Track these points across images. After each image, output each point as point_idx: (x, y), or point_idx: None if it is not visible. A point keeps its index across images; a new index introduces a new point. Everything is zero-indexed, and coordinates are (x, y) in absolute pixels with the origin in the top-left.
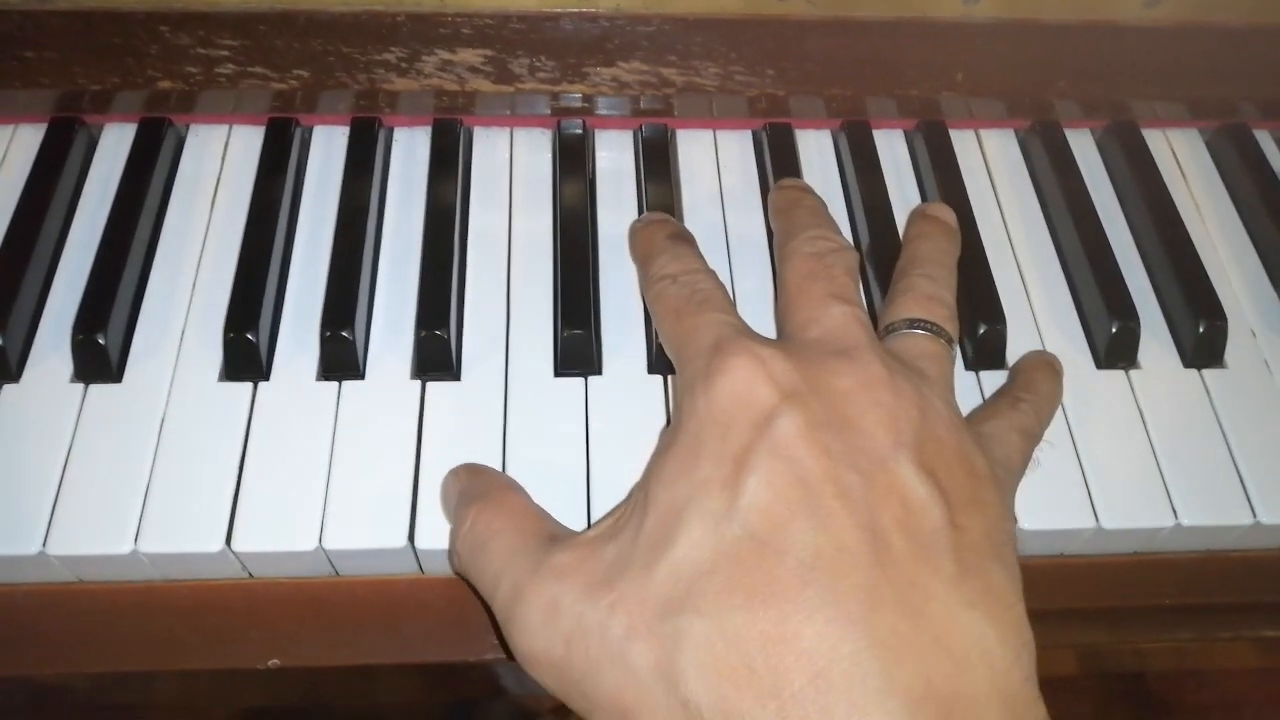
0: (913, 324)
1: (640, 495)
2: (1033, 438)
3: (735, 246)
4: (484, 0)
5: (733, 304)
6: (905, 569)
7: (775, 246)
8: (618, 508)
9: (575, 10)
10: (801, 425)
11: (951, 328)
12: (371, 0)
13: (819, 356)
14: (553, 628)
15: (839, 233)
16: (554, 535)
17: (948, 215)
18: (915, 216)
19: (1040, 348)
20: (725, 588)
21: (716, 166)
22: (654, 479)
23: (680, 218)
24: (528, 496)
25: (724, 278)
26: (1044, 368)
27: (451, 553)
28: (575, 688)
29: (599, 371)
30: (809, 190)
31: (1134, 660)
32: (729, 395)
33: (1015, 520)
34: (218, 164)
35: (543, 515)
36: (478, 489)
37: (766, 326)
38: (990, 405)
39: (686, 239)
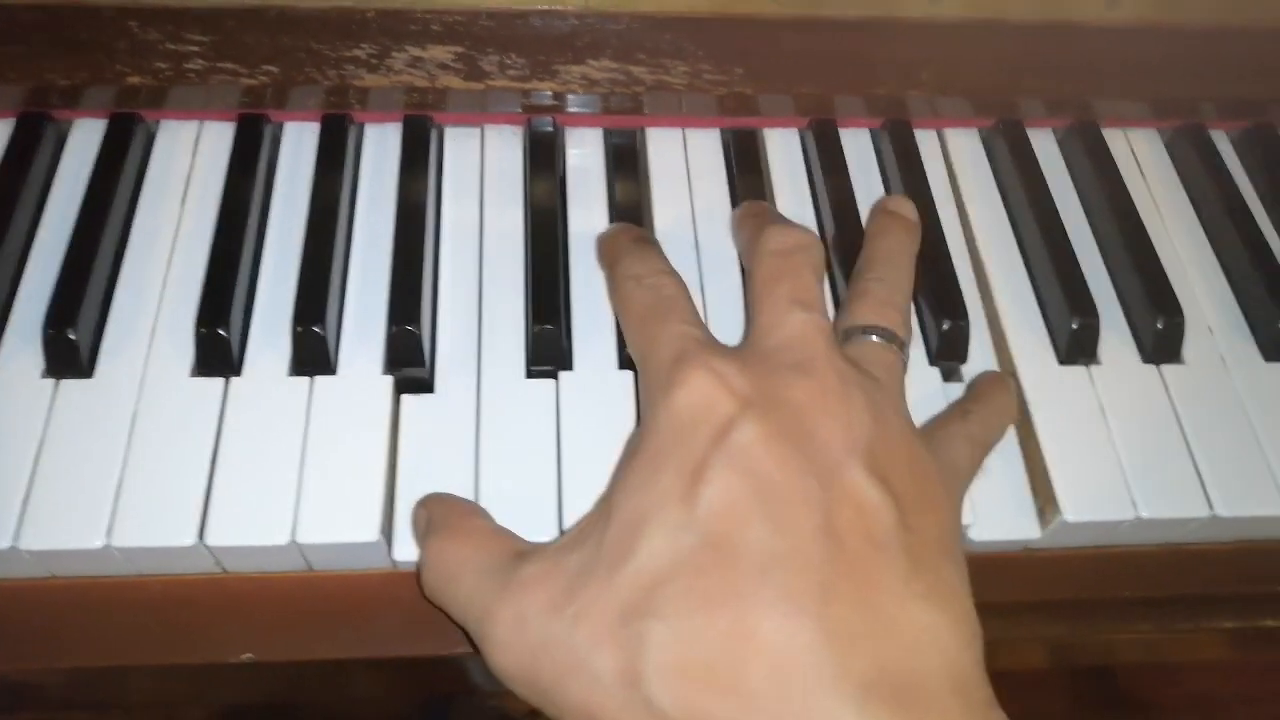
0: (867, 330)
1: (604, 505)
2: (980, 445)
3: (704, 243)
4: None
5: (695, 310)
6: (859, 566)
7: (742, 252)
8: (583, 518)
9: (545, 8)
10: (758, 435)
11: (904, 333)
12: None
13: (777, 368)
14: (521, 641)
15: (803, 227)
16: (520, 552)
17: (908, 210)
18: (877, 211)
19: (1004, 343)
20: (684, 592)
21: (686, 164)
22: (617, 489)
23: (650, 214)
24: (491, 519)
25: (692, 276)
26: (996, 383)
27: (421, 584)
28: (546, 697)
29: (570, 366)
30: (769, 205)
31: (1104, 654)
32: (688, 407)
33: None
34: (188, 160)
35: (507, 535)
36: (441, 518)
37: (735, 328)
38: (942, 415)
39: (651, 242)
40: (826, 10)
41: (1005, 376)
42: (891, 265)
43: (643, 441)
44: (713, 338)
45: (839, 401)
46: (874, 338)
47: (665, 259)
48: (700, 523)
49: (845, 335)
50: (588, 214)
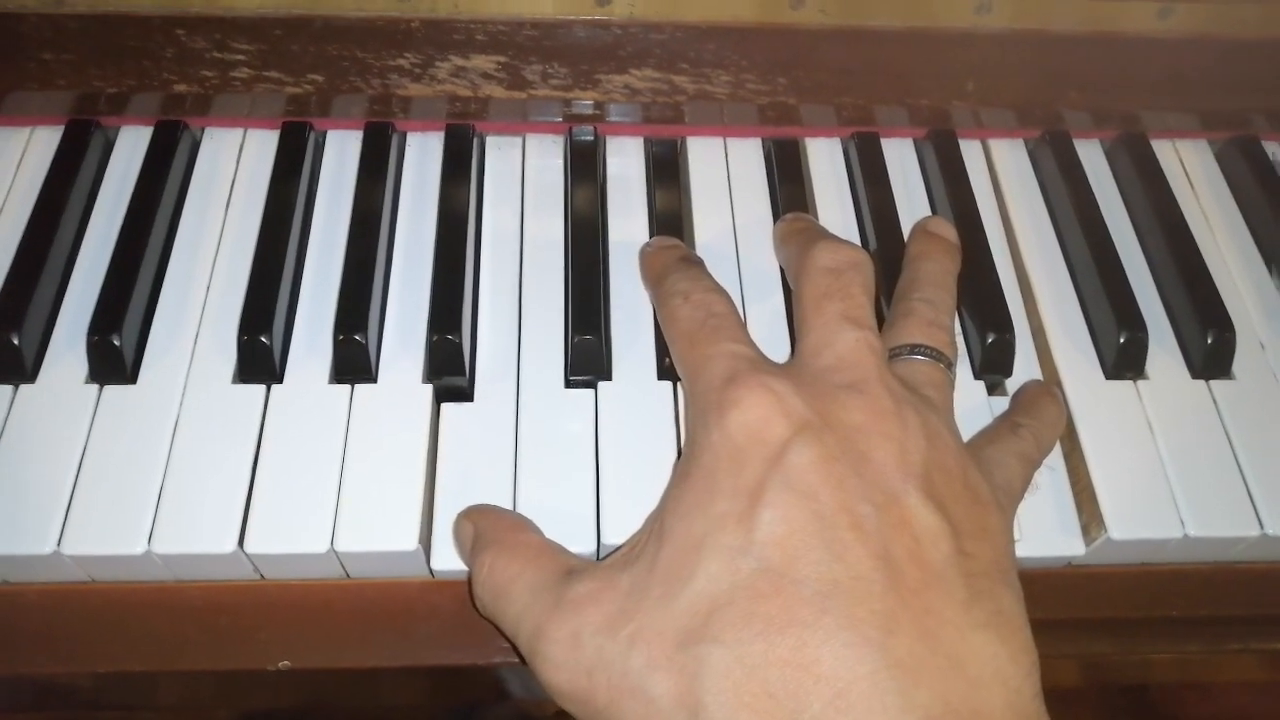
0: (915, 349)
1: (656, 525)
2: (1032, 463)
3: (744, 253)
4: (498, 7)
5: (744, 327)
6: (919, 595)
7: (789, 269)
8: (634, 537)
9: (589, 18)
10: (814, 458)
11: (951, 352)
12: (386, 6)
13: (830, 389)
14: (575, 660)
15: (852, 243)
16: (570, 569)
17: (948, 231)
18: (917, 232)
19: (1049, 357)
20: (743, 618)
21: (727, 173)
22: (669, 511)
23: (690, 223)
24: (540, 533)
25: (733, 281)
26: (1044, 395)
27: (473, 598)
28: (600, 718)
29: (609, 376)
30: (813, 219)
31: (1138, 672)
32: (742, 428)
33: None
34: (232, 167)
35: (557, 550)
36: (490, 533)
37: (775, 342)
38: (992, 430)
39: (696, 261)
40: (871, 21)
41: (1051, 387)
42: (935, 286)
43: (696, 461)
44: (763, 356)
45: (894, 423)
46: (922, 357)
47: (711, 276)
48: (758, 547)
49: (893, 354)
50: (628, 222)
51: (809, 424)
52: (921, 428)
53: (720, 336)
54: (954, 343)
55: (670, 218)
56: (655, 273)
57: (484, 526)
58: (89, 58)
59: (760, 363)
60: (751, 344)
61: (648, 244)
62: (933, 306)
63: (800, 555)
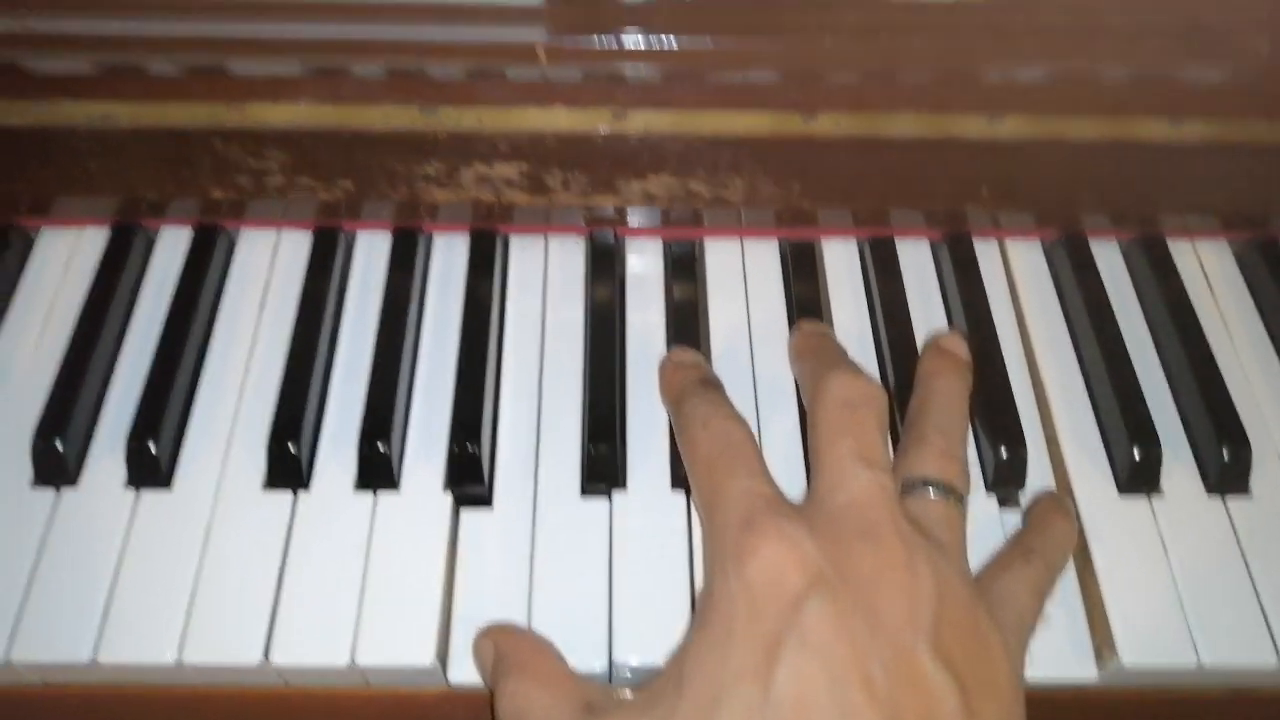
0: (927, 483)
1: (675, 669)
2: (1044, 593)
3: (759, 353)
4: (519, 121)
5: (762, 460)
6: None
7: (804, 387)
8: (655, 679)
9: (608, 130)
10: (829, 614)
11: (963, 485)
12: (413, 120)
13: (844, 536)
14: None
15: (866, 373)
16: (591, 703)
17: (961, 349)
18: (930, 349)
19: (1063, 468)
20: None
21: (743, 272)
22: (689, 658)
23: (706, 322)
24: (562, 661)
25: (748, 385)
26: (1056, 511)
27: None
28: None
29: (623, 485)
30: (830, 333)
31: None
32: (761, 578)
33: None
34: (267, 267)
35: (579, 680)
36: (514, 655)
37: (791, 444)
38: (1004, 557)
39: (716, 384)
40: (884, 131)
41: (1064, 500)
42: (947, 411)
43: (714, 608)
44: (779, 494)
45: (905, 574)
46: (934, 492)
47: (730, 402)
48: (774, 706)
49: (905, 486)
50: (646, 322)
51: (824, 577)
52: (932, 578)
53: (738, 470)
54: (967, 473)
55: (687, 318)
56: (674, 392)
57: (507, 648)
58: (133, 166)
59: (777, 503)
60: (768, 478)
61: (666, 358)
62: (945, 435)
63: (813, 715)
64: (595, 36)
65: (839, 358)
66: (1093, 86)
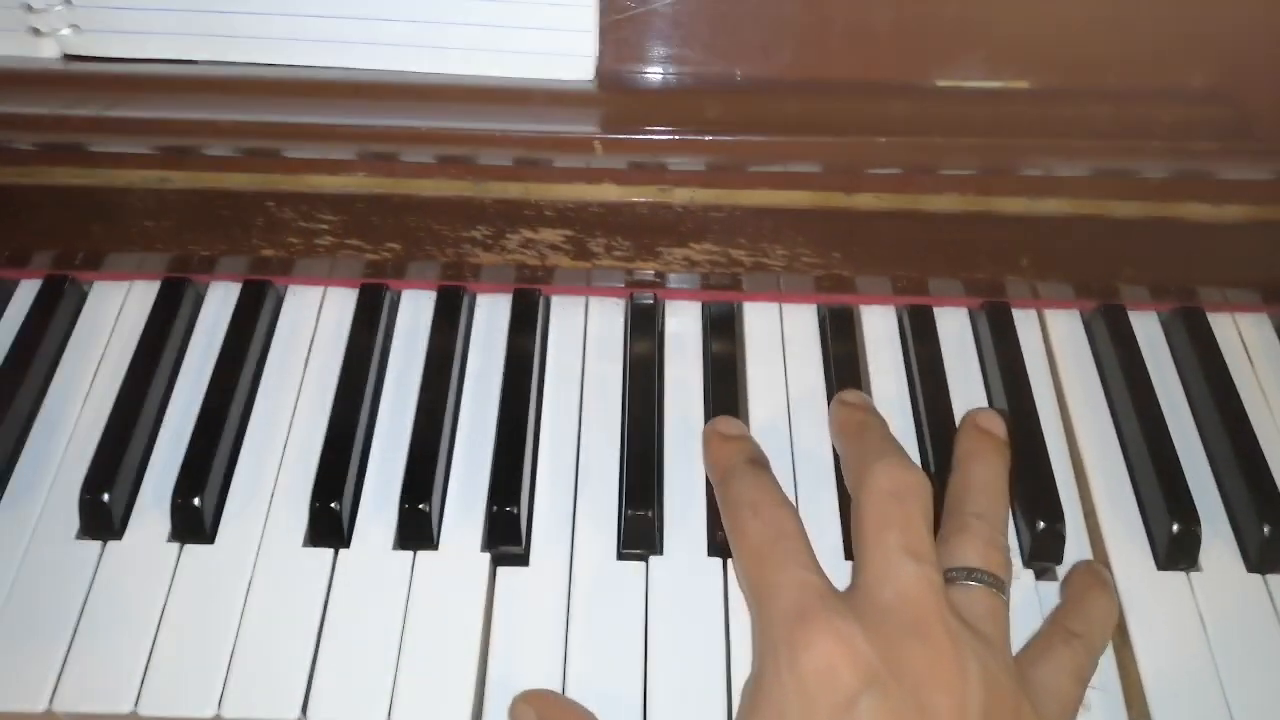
0: (971, 574)
1: None
2: (1086, 679)
3: (796, 418)
4: (565, 190)
5: (811, 549)
6: None
7: (846, 471)
8: None
9: (651, 200)
10: (882, 711)
11: (1006, 575)
12: (462, 187)
13: (894, 633)
14: None
15: (914, 464)
16: None
17: (998, 428)
18: (967, 427)
19: (1100, 542)
20: None
21: (781, 337)
22: None
23: (744, 386)
24: None
25: (785, 451)
26: (1096, 587)
27: None
28: None
29: (660, 551)
30: (872, 409)
31: None
32: (813, 674)
33: None
34: (313, 323)
35: None
36: None
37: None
38: (1044, 640)
39: (763, 463)
40: (924, 205)
41: (1103, 572)
42: (988, 495)
43: (765, 699)
44: (829, 585)
45: (954, 672)
46: (978, 584)
47: (777, 484)
48: None
49: (949, 576)
50: (685, 384)
51: (876, 676)
52: (980, 675)
53: (790, 561)
54: (1009, 561)
55: (726, 381)
56: (720, 469)
57: (549, 716)
58: (185, 225)
59: (829, 596)
60: (818, 568)
61: (711, 428)
62: (987, 523)
63: None
64: (648, 132)
65: (883, 441)
66: (1136, 177)
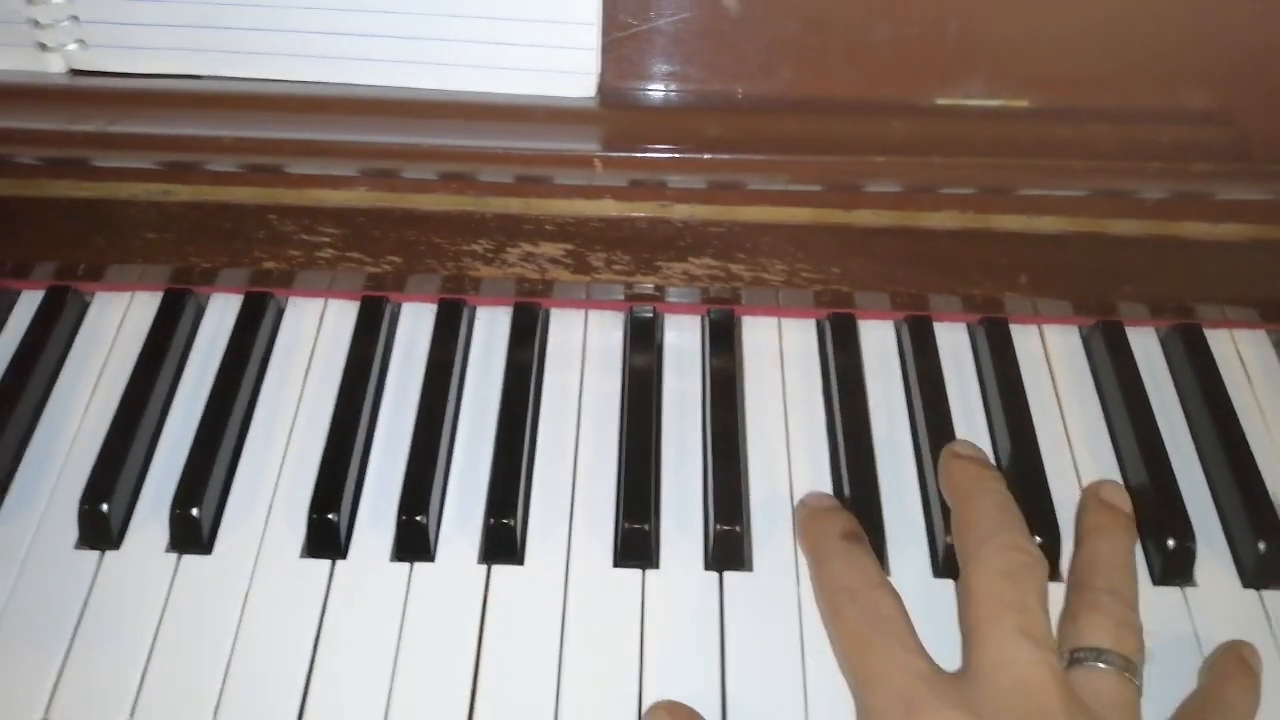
0: (1100, 655)
1: None
2: None
3: (794, 428)
4: (566, 205)
5: (914, 631)
6: None
7: (955, 535)
8: None
9: (651, 215)
10: None
11: (1140, 659)
12: (462, 202)
13: None
14: None
15: (1030, 537)
16: None
17: (1125, 503)
18: (1091, 503)
19: None
20: None
21: (780, 352)
22: None
23: (743, 400)
24: None
25: (783, 461)
26: (1241, 676)
27: None
28: None
29: (656, 564)
30: (987, 464)
31: None
32: None
33: None
34: (313, 335)
35: None
36: None
37: None
38: None
39: (859, 538)
40: (923, 222)
41: (1251, 660)
42: (1118, 572)
43: None
44: (938, 670)
45: None
46: (1108, 667)
47: (876, 562)
48: None
49: (1075, 656)
50: (684, 400)
51: None
52: None
53: (893, 646)
54: (1142, 645)
55: (725, 394)
56: (814, 546)
57: None
58: (187, 237)
59: (938, 684)
60: (924, 652)
61: (803, 503)
62: (1120, 600)
63: None
64: (649, 150)
65: (999, 511)
66: (1135, 196)
